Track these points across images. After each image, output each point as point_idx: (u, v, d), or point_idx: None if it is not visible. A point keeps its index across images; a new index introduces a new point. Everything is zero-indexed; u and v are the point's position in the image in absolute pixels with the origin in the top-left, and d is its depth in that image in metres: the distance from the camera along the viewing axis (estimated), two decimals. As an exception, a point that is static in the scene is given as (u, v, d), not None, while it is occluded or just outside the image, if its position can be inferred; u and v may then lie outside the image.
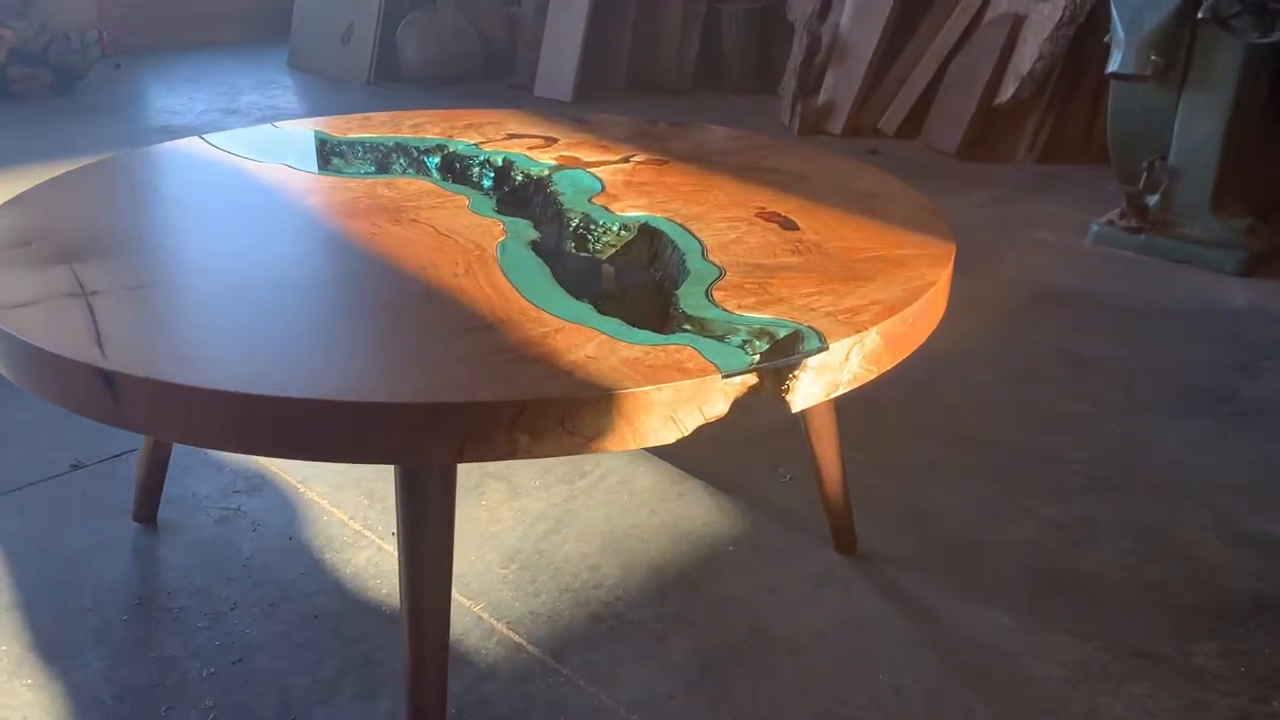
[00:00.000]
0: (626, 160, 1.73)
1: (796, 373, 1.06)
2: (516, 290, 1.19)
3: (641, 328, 1.11)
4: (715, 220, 1.43)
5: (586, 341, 1.06)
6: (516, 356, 1.02)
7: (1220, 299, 2.77)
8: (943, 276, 1.27)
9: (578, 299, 1.18)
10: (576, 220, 1.46)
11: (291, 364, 1.02)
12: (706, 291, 1.20)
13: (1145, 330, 2.56)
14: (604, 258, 1.44)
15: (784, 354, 1.06)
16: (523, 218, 1.45)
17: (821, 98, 4.53)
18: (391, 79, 5.50)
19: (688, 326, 1.13)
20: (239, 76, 5.66)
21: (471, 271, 1.24)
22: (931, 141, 4.16)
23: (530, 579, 1.60)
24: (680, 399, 0.99)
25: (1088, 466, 1.96)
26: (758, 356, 1.06)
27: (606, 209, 1.47)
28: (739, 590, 1.59)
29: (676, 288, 1.23)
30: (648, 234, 1.42)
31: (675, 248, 1.34)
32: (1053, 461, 1.97)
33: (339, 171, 1.69)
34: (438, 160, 1.77)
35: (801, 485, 1.85)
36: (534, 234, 1.38)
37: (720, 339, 1.10)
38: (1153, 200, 3.01)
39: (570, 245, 1.46)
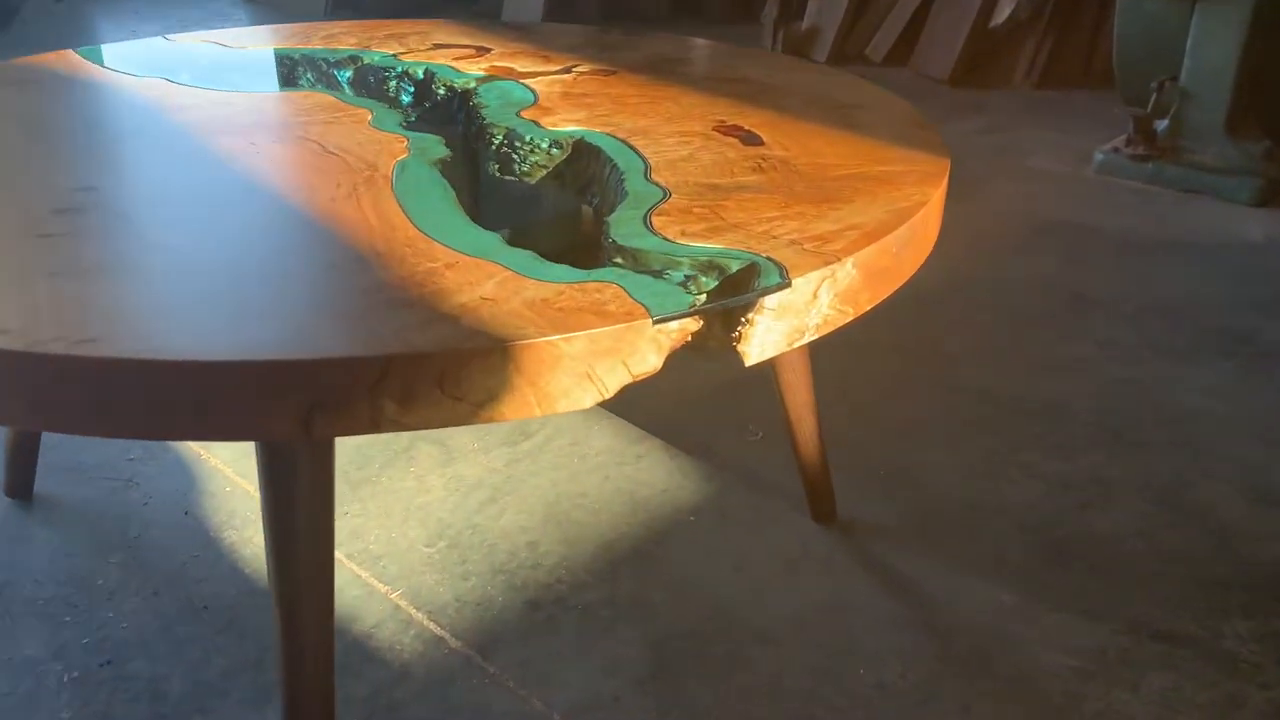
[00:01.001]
0: (568, 70, 1.48)
1: (750, 315, 0.83)
2: (407, 217, 0.96)
3: (563, 263, 0.88)
4: (664, 135, 1.20)
5: (485, 279, 0.83)
6: (390, 299, 0.80)
7: (1235, 231, 2.55)
8: (934, 196, 1.04)
9: (489, 229, 0.95)
10: (500, 137, 1.22)
11: (101, 313, 0.79)
12: (644, 217, 0.97)
13: (1155, 266, 2.34)
14: (531, 180, 1.20)
15: (735, 292, 0.84)
16: (437, 135, 1.21)
17: (805, 23, 4.25)
18: (350, 6, 5.19)
19: (618, 259, 0.91)
20: (188, 9, 5.34)
21: (355, 195, 1.00)
22: (922, 68, 3.90)
23: (459, 559, 1.38)
24: (597, 351, 0.77)
25: (1096, 417, 1.74)
26: (702, 296, 0.84)
27: (536, 123, 1.23)
28: (701, 569, 1.38)
29: (611, 214, 1.00)
30: (583, 152, 1.18)
31: (614, 167, 1.11)
32: (1057, 412, 1.76)
33: (230, 87, 1.44)
34: (350, 74, 1.52)
35: (774, 444, 1.64)
36: (443, 151, 1.14)
37: (657, 274, 0.87)
38: (1162, 125, 2.77)
39: (493, 166, 1.22)
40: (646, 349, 0.79)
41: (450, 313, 0.78)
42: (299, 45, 1.63)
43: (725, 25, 4.89)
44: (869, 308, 0.95)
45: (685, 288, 0.86)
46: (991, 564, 1.40)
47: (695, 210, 0.98)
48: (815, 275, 0.86)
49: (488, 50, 1.60)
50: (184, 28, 4.92)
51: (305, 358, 0.72)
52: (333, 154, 1.12)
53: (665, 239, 0.92)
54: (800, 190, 1.03)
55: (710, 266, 0.88)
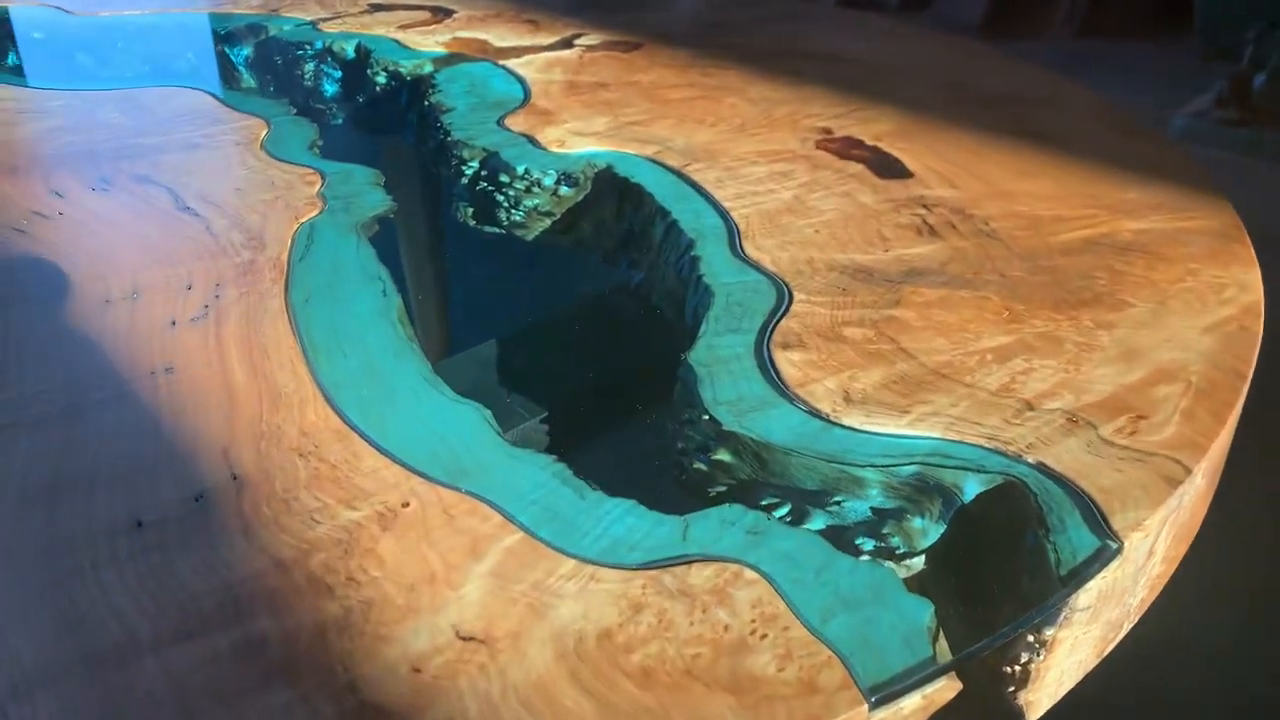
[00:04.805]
0: (569, 44, 1.01)
1: (1051, 633, 0.39)
2: (310, 370, 0.49)
3: (599, 470, 0.44)
4: (742, 158, 0.74)
5: (466, 563, 0.38)
6: (236, 664, 0.34)
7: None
8: (1257, 285, 0.59)
9: (464, 389, 0.49)
10: (474, 165, 0.76)
11: None
12: (761, 352, 0.51)
13: None
14: (527, 235, 0.74)
15: (995, 561, 0.40)
16: (370, 162, 0.75)
17: (807, -37, 3.74)
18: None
19: (724, 457, 0.45)
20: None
21: (215, 312, 0.54)
22: (946, 14, 3.42)
23: None
24: (749, 805, 0.32)
25: None
26: (918, 561, 0.40)
27: (531, 139, 0.77)
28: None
29: (691, 338, 0.54)
30: (613, 193, 0.72)
31: (671, 226, 0.65)
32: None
33: (56, 81, 0.96)
34: (249, 51, 1.04)
35: None
36: (381, 202, 0.67)
37: (813, 506, 0.42)
38: (1259, 81, 2.32)
39: (464, 211, 0.76)
40: (850, 763, 0.34)
41: (387, 704, 0.32)
42: (180, 9, 1.14)
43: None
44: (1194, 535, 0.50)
45: (882, 545, 0.41)
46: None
47: (850, 332, 0.52)
48: (1156, 518, 0.41)
49: (449, 12, 1.12)
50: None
51: None
52: (191, 214, 0.65)
53: (816, 412, 0.46)
54: (1020, 278, 0.58)
55: (923, 490, 0.43)
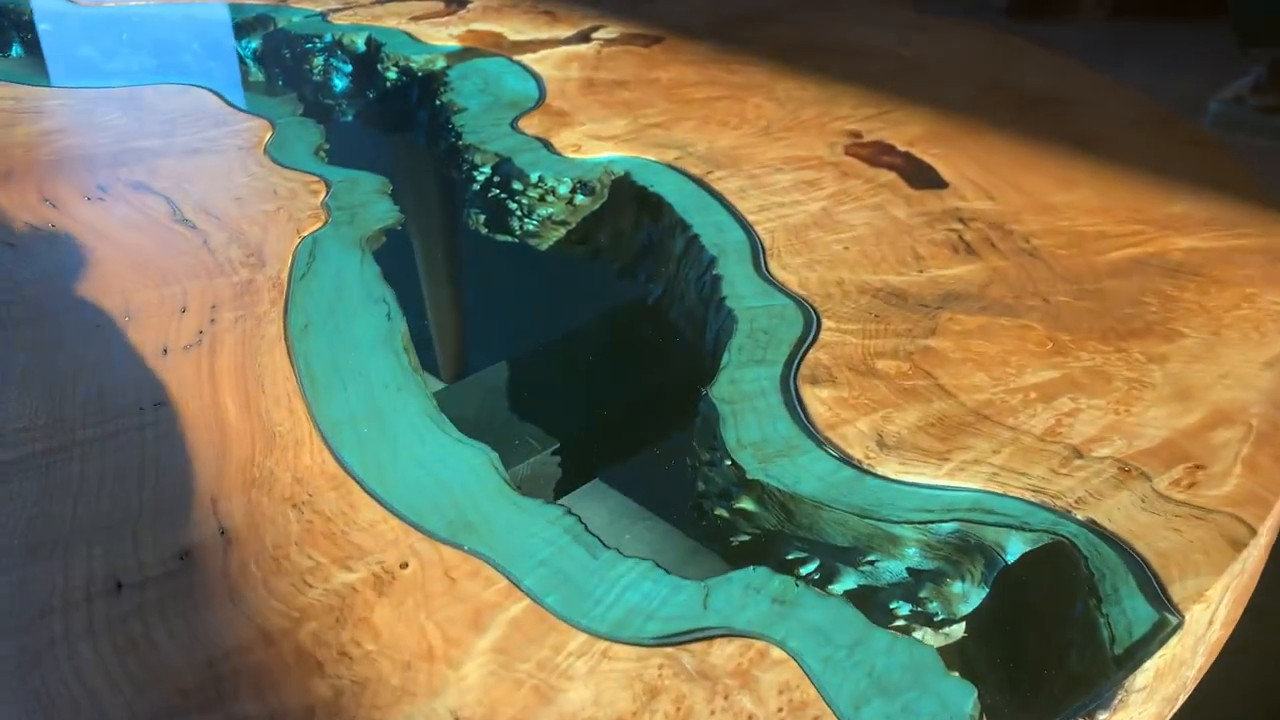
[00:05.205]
0: (586, 37, 0.97)
1: (1106, 717, 0.35)
2: (306, 405, 0.46)
3: (612, 512, 0.41)
4: (767, 165, 0.70)
5: (468, 635, 0.35)
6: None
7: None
8: (1318, 310, 0.55)
9: (469, 417, 0.47)
10: (486, 170, 0.72)
11: None
12: (788, 387, 0.48)
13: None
14: (541, 245, 0.71)
15: (1046, 632, 0.36)
16: (378, 165, 0.71)
17: (831, -60, 3.67)
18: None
19: (747, 505, 0.42)
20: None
21: (208, 339, 0.51)
22: (973, -7, 3.35)
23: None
24: None
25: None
26: (955, 629, 0.37)
27: (545, 143, 0.73)
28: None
29: (713, 369, 0.51)
30: (632, 201, 0.69)
31: (692, 242, 0.62)
32: None
33: (60, 76, 0.94)
34: (257, 44, 1.01)
35: None
36: (388, 213, 0.64)
37: (845, 564, 0.39)
38: (1298, 67, 2.25)
39: (475, 219, 0.73)
40: None
41: (378, 807, 0.29)
42: (187, 0, 1.11)
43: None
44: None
45: (919, 610, 0.38)
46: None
47: (883, 366, 0.49)
48: (1219, 585, 0.38)
49: (464, 2, 1.08)
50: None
51: None
52: (189, 227, 0.62)
53: (847, 459, 0.43)
54: (1064, 304, 0.54)
55: (963, 549, 0.39)
